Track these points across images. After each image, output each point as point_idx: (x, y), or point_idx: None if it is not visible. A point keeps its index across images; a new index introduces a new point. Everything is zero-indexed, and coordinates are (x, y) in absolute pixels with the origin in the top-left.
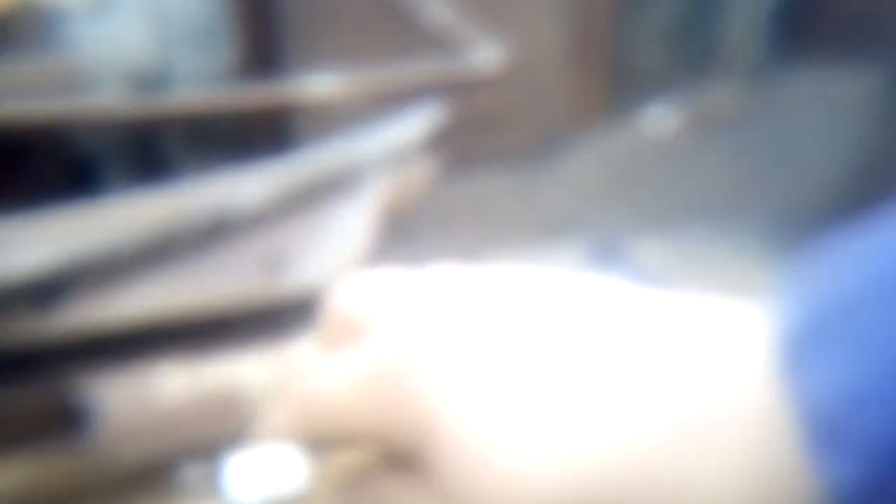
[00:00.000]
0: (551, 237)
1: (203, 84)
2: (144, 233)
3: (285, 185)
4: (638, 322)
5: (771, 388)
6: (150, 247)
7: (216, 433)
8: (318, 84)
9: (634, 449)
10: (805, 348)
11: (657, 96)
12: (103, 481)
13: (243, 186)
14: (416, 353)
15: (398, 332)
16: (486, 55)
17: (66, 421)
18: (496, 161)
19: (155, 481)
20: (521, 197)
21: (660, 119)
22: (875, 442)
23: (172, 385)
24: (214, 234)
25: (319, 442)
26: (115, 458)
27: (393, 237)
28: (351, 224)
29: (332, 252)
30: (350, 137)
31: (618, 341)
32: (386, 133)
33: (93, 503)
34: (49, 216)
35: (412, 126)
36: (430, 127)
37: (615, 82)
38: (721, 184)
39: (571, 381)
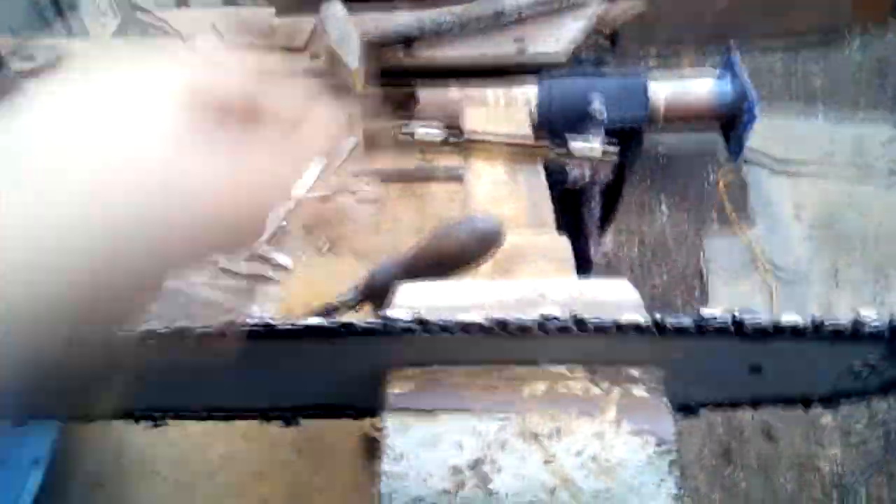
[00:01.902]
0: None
1: None
2: (458, 15)
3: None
4: None
5: None
6: (460, 24)
7: None
8: None
9: None
10: None
11: None
12: None
13: None
14: None
15: None
16: None
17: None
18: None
19: None
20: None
21: None
22: None
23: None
24: (495, 21)
25: None
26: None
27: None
28: (571, 26)
29: (558, 42)
30: None
31: None
32: None
33: None
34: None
35: None
36: None
37: None
38: None
39: None
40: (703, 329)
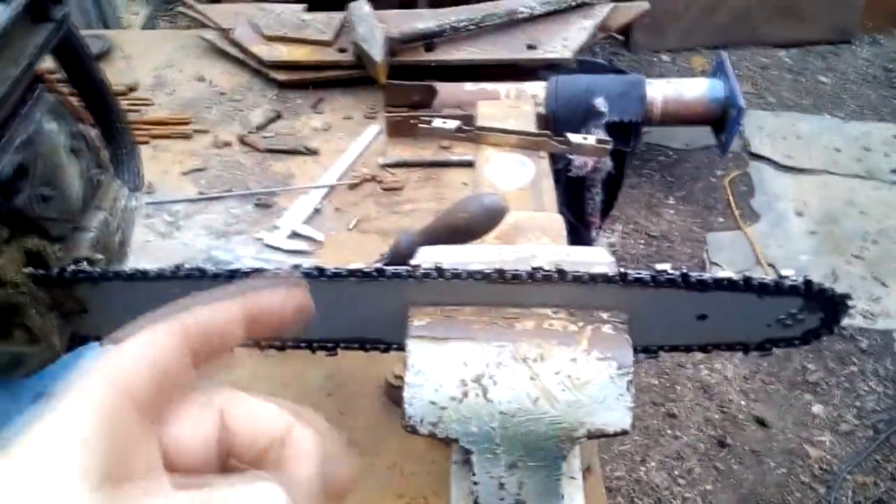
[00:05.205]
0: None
1: None
2: (472, 17)
3: (545, 4)
4: None
5: None
6: (477, 24)
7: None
8: None
9: None
10: None
11: None
12: None
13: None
14: None
15: None
16: None
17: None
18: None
19: None
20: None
21: None
22: None
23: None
24: (509, 20)
25: None
26: None
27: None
28: (579, 27)
29: (566, 44)
30: None
31: None
32: None
33: None
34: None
35: None
36: None
37: None
38: None
39: None
40: (657, 280)
